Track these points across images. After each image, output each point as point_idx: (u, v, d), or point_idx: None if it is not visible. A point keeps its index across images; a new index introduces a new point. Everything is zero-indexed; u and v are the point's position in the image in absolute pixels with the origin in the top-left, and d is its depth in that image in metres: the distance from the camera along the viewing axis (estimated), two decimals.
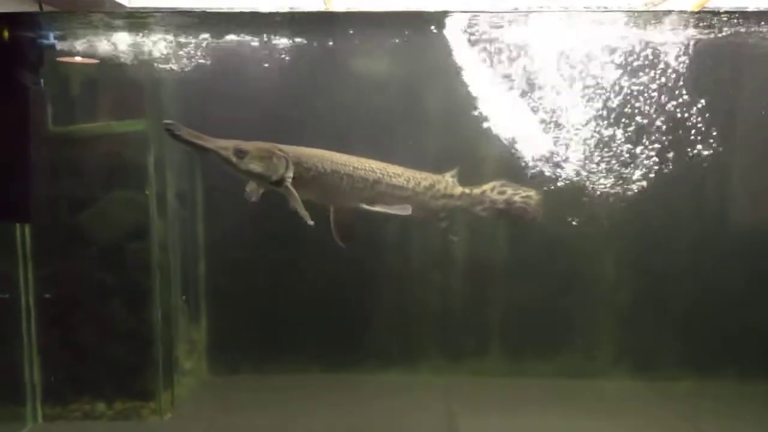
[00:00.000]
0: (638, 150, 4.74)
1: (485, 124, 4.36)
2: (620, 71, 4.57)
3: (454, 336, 5.97)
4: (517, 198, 4.14)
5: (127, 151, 5.13)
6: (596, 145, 4.62)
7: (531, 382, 5.88)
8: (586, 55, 4.49)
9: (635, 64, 4.58)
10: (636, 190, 4.80)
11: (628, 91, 4.63)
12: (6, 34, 4.17)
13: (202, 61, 5.03)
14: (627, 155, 4.71)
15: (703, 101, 4.73)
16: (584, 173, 4.58)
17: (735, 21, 4.23)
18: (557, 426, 5.22)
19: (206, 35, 4.78)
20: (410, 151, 5.18)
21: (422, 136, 5.55)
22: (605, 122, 4.64)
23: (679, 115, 4.72)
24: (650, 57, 4.58)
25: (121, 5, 4.16)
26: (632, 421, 5.30)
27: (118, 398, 5.25)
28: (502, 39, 4.47)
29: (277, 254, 5.72)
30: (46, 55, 4.44)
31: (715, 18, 4.17)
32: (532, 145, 4.42)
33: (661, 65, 4.61)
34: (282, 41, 4.91)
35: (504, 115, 4.36)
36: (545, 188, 4.39)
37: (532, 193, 4.17)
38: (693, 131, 4.86)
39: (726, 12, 4.10)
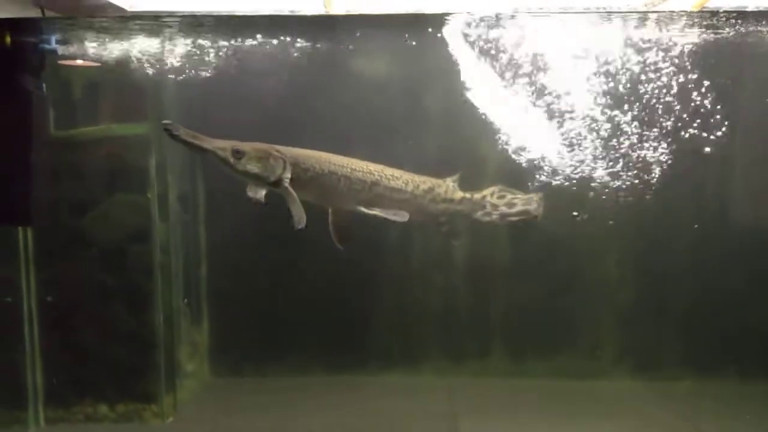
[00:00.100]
0: (639, 150, 4.75)
1: (488, 127, 4.37)
2: (624, 72, 4.58)
3: (457, 337, 5.98)
4: (517, 201, 4.14)
5: (128, 154, 5.15)
6: (597, 146, 4.63)
7: (533, 383, 5.89)
8: (590, 56, 4.51)
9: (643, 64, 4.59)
10: (636, 191, 4.81)
11: (631, 92, 4.64)
12: (8, 39, 4.18)
13: (202, 64, 5.04)
14: (628, 155, 4.72)
15: (707, 99, 4.74)
16: (585, 174, 4.59)
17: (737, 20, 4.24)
18: (559, 426, 5.23)
19: (207, 39, 4.80)
20: (413, 154, 5.21)
21: (425, 139, 5.57)
22: (606, 123, 4.65)
23: (683, 113, 4.73)
24: (652, 58, 4.59)
25: (122, 10, 4.18)
26: (633, 421, 5.32)
27: (121, 401, 5.26)
28: (501, 40, 4.48)
29: (279, 256, 5.73)
30: (48, 60, 4.45)
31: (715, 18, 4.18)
32: (535, 147, 4.43)
33: (666, 65, 4.62)
34: (282, 43, 4.93)
35: (507, 117, 4.36)
36: (547, 189, 4.39)
37: (532, 196, 4.17)
38: (695, 129, 4.87)
39: (725, 12, 4.11)
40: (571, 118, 4.56)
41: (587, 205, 4.85)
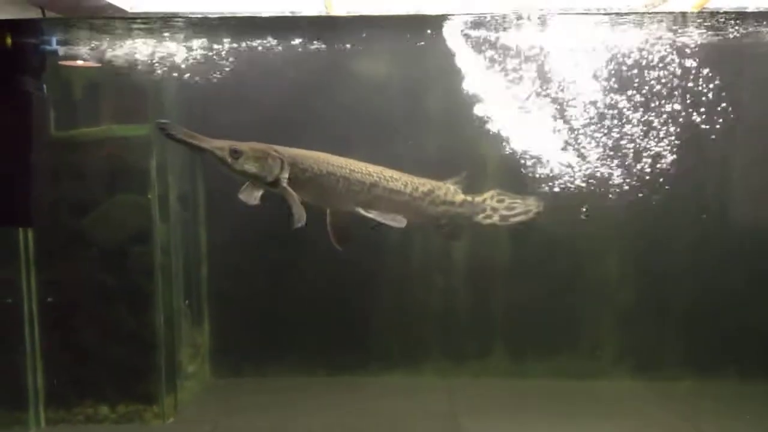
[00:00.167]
0: (640, 150, 4.75)
1: (490, 130, 4.36)
2: (627, 73, 4.58)
3: (457, 337, 5.99)
4: (516, 205, 4.15)
5: (129, 154, 5.15)
6: (597, 147, 4.63)
7: (533, 383, 5.90)
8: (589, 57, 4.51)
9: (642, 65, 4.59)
10: (637, 191, 4.81)
11: (635, 93, 4.64)
12: (9, 40, 4.18)
13: (203, 65, 5.04)
14: (628, 155, 4.72)
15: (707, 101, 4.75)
16: (587, 174, 4.59)
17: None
18: (559, 426, 5.23)
19: (207, 40, 4.80)
20: (416, 156, 5.23)
21: (429, 140, 5.58)
22: (609, 124, 4.66)
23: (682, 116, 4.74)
24: (653, 58, 4.59)
25: (123, 11, 4.17)
26: (633, 421, 5.32)
27: (121, 402, 5.26)
28: (502, 41, 4.48)
29: (279, 256, 5.74)
30: (49, 61, 4.44)
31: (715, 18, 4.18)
32: (537, 149, 4.43)
33: (664, 66, 4.62)
34: (283, 45, 4.93)
35: (508, 118, 4.36)
36: (547, 191, 4.40)
37: (531, 200, 4.17)
38: (695, 133, 4.88)
39: (725, 12, 4.11)
40: (572, 119, 4.56)
41: (587, 206, 4.84)
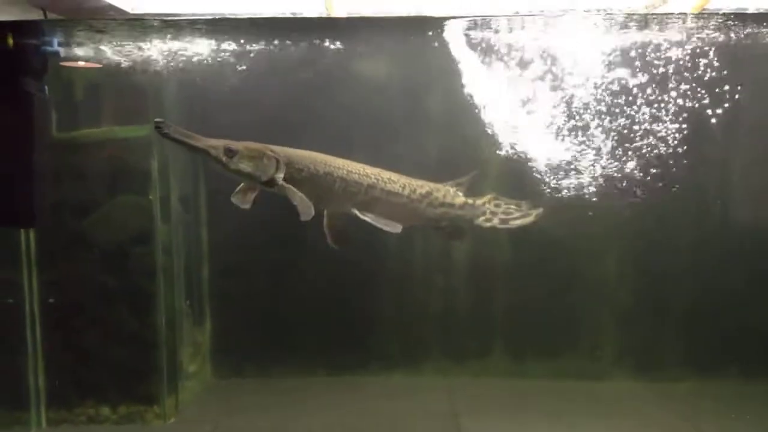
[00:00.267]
0: (640, 151, 4.75)
1: (492, 131, 4.37)
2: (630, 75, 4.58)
3: (458, 337, 5.99)
4: (513, 209, 4.16)
5: (130, 155, 5.15)
6: (599, 147, 4.64)
7: (533, 383, 5.90)
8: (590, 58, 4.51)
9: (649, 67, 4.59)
10: (638, 191, 4.80)
11: (637, 94, 4.64)
12: (10, 41, 4.19)
13: (204, 66, 5.05)
14: (629, 155, 4.72)
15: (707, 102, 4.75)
16: (589, 174, 4.59)
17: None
18: (559, 427, 5.24)
19: (208, 41, 4.80)
20: (420, 158, 5.23)
21: (432, 142, 5.59)
22: (607, 123, 4.66)
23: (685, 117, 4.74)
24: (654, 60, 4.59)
25: (124, 12, 4.18)
26: (633, 421, 5.33)
27: (123, 402, 5.27)
28: (503, 41, 4.48)
29: (281, 257, 5.75)
30: (50, 62, 4.46)
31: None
32: (538, 150, 4.44)
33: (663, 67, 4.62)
34: (284, 46, 4.93)
35: (510, 120, 4.37)
36: (547, 191, 4.40)
37: (524, 203, 4.18)
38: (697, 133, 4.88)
39: (725, 14, 4.11)
40: (573, 120, 4.57)
41: (587, 205, 4.84)
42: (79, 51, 4.89)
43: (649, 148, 4.64)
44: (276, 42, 4.85)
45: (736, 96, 4.76)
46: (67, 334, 5.18)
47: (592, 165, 4.53)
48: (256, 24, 4.39)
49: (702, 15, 4.07)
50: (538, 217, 4.15)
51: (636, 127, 4.62)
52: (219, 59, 5.00)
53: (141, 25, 4.36)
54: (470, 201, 4.16)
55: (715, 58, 4.55)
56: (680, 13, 4.06)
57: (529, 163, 4.45)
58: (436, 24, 4.31)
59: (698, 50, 4.55)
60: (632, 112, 4.62)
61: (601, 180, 4.54)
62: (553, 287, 5.79)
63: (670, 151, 4.67)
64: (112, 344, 5.20)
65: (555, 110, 4.50)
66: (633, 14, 4.13)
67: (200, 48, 4.87)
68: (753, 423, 5.26)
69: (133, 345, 5.21)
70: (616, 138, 4.59)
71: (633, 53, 4.56)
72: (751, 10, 4.10)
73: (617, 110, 4.59)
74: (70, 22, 4.40)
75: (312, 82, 5.44)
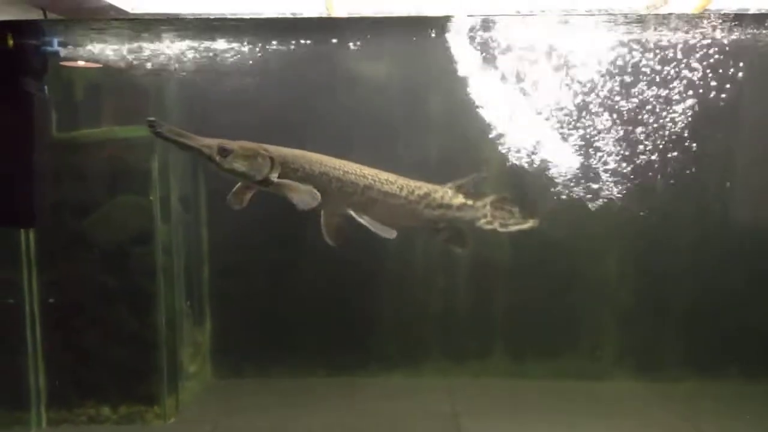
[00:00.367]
0: (642, 151, 4.75)
1: (493, 132, 4.36)
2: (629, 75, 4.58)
3: (458, 338, 5.99)
4: (514, 212, 4.14)
5: (130, 156, 5.14)
6: (598, 147, 4.64)
7: (534, 383, 5.90)
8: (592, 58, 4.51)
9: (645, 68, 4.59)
10: (639, 191, 4.80)
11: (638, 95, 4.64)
12: (10, 41, 4.19)
13: (204, 66, 5.05)
14: (629, 156, 4.72)
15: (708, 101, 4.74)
16: (591, 172, 4.59)
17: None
18: (559, 427, 5.24)
19: (208, 41, 4.80)
20: (419, 158, 5.22)
21: (431, 143, 5.58)
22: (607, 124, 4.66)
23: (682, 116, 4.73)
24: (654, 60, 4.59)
25: (124, 12, 4.18)
26: (634, 421, 5.33)
27: (123, 402, 5.27)
28: (503, 42, 4.48)
29: (281, 257, 5.74)
30: (50, 62, 4.45)
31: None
32: (540, 152, 4.43)
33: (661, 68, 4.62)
34: (284, 46, 4.93)
35: (511, 121, 4.36)
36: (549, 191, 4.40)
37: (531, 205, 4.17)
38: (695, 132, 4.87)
39: (726, 14, 4.11)
40: (574, 121, 4.56)
41: (587, 205, 4.83)
42: (79, 50, 4.89)
43: (657, 147, 4.65)
44: (276, 42, 4.84)
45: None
46: (68, 334, 5.18)
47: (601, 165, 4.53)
48: (256, 24, 4.39)
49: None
50: (539, 221, 4.14)
51: (641, 127, 4.62)
52: (219, 59, 5.00)
53: (141, 25, 4.35)
54: (469, 202, 4.13)
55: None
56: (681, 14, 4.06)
57: (533, 165, 4.45)
58: (436, 24, 4.30)
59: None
60: (633, 112, 4.62)
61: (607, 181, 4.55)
62: (553, 287, 5.79)
63: (676, 150, 4.69)
64: (112, 344, 5.19)
65: (557, 111, 4.50)
66: (634, 14, 4.13)
67: (200, 48, 4.87)
68: (753, 423, 5.25)
69: (134, 345, 5.21)
70: (621, 137, 4.60)
71: (635, 54, 4.56)
72: (752, 11, 4.10)
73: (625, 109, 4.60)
74: (70, 22, 4.40)
75: (312, 82, 5.44)
